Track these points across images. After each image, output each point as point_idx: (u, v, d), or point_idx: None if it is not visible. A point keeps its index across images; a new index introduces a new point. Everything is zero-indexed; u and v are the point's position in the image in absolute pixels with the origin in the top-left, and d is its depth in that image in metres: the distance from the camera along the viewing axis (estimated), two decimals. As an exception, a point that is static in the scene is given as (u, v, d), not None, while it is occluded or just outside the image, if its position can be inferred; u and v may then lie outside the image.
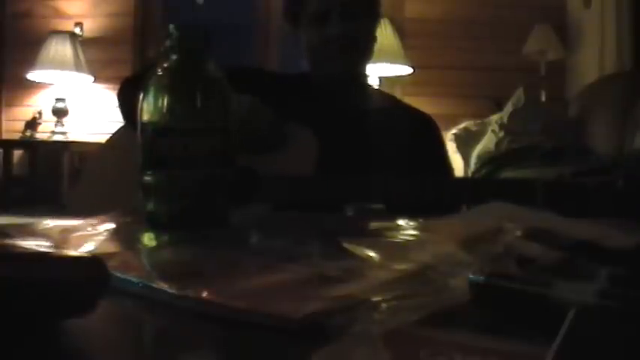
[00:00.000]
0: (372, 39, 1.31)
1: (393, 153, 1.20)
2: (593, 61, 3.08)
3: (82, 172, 1.35)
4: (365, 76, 1.38)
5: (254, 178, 1.02)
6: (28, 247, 0.38)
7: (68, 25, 3.62)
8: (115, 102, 1.31)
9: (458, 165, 2.88)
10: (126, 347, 0.35)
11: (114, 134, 1.34)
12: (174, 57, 0.66)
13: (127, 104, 1.24)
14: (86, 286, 0.35)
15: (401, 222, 0.68)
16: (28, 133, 3.52)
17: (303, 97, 1.28)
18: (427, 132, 1.35)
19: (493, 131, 2.91)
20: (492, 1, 3.50)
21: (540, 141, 2.53)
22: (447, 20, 3.52)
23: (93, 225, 0.66)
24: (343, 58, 1.25)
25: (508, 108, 3.02)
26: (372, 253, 0.50)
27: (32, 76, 3.47)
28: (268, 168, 1.03)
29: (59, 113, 3.49)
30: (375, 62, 3.08)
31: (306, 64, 1.33)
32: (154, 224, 0.64)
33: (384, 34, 3.22)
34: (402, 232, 0.62)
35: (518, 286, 0.36)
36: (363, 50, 1.29)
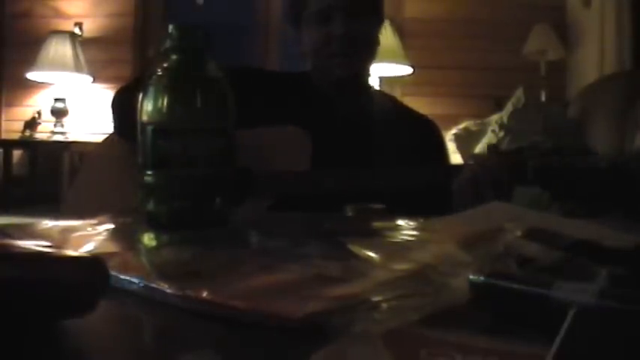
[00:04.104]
0: (375, 40, 1.30)
1: (394, 156, 1.20)
2: (593, 61, 3.08)
3: (74, 181, 1.35)
4: (367, 78, 1.38)
5: (248, 178, 1.02)
6: (28, 247, 0.38)
7: (68, 25, 3.62)
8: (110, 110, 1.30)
9: (458, 165, 2.87)
10: (126, 347, 0.35)
11: (103, 143, 1.34)
12: (174, 57, 0.66)
13: (120, 115, 1.24)
14: (86, 286, 0.35)
15: (401, 222, 0.68)
16: (27, 133, 3.52)
17: (303, 98, 1.27)
18: (429, 135, 1.34)
19: (493, 131, 2.91)
20: (492, 1, 3.50)
21: (540, 141, 2.53)
22: (446, 20, 3.52)
23: (93, 225, 0.66)
24: (345, 58, 1.24)
25: (508, 108, 3.02)
26: (372, 253, 0.50)
27: (32, 76, 3.47)
28: (261, 168, 1.03)
29: (59, 113, 3.49)
30: (375, 62, 3.08)
31: (307, 64, 1.33)
32: (154, 224, 0.64)
33: (384, 34, 3.21)
34: (402, 232, 0.62)
35: (518, 286, 0.36)
36: (366, 51, 1.28)
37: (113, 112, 1.26)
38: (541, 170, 0.94)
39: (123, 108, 1.21)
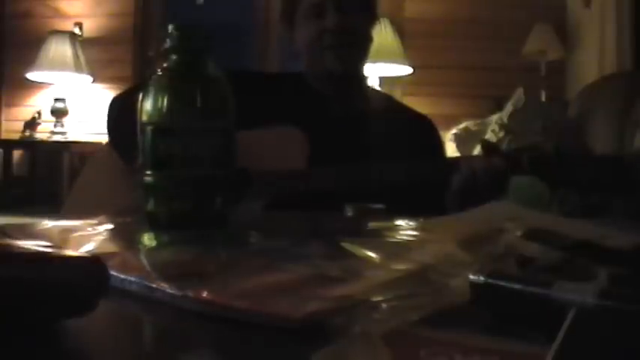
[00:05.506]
0: (368, 37, 1.31)
1: (391, 154, 1.20)
2: (593, 61, 3.08)
3: (75, 182, 1.34)
4: (362, 76, 1.38)
5: (246, 178, 1.02)
6: (28, 247, 0.38)
7: (68, 25, 3.62)
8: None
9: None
10: (126, 347, 0.35)
11: (105, 144, 1.33)
12: (174, 57, 0.66)
13: (114, 126, 1.23)
14: (86, 286, 0.35)
15: (401, 222, 0.68)
16: (27, 133, 3.52)
17: (299, 98, 1.28)
18: (426, 134, 1.34)
19: (493, 131, 2.91)
20: (492, 1, 3.49)
21: (540, 141, 2.53)
22: (446, 20, 3.52)
23: (93, 225, 0.66)
24: (339, 53, 1.25)
25: (508, 108, 3.02)
26: (372, 253, 0.50)
27: (32, 76, 3.46)
28: (258, 168, 1.03)
29: (59, 113, 3.49)
30: (375, 62, 3.08)
31: (301, 63, 1.33)
32: (154, 224, 0.64)
33: (384, 34, 3.22)
34: (402, 232, 0.62)
35: (518, 286, 0.36)
36: (359, 46, 1.29)
37: (107, 125, 1.25)
38: (536, 159, 0.95)
39: (116, 120, 1.21)
